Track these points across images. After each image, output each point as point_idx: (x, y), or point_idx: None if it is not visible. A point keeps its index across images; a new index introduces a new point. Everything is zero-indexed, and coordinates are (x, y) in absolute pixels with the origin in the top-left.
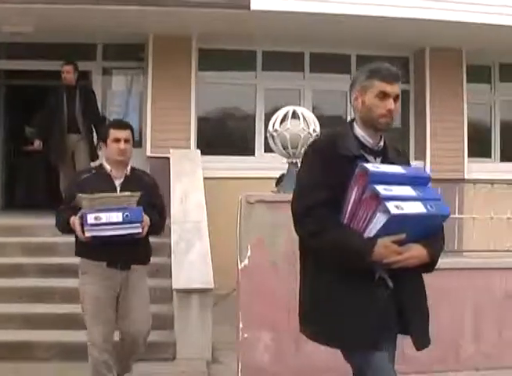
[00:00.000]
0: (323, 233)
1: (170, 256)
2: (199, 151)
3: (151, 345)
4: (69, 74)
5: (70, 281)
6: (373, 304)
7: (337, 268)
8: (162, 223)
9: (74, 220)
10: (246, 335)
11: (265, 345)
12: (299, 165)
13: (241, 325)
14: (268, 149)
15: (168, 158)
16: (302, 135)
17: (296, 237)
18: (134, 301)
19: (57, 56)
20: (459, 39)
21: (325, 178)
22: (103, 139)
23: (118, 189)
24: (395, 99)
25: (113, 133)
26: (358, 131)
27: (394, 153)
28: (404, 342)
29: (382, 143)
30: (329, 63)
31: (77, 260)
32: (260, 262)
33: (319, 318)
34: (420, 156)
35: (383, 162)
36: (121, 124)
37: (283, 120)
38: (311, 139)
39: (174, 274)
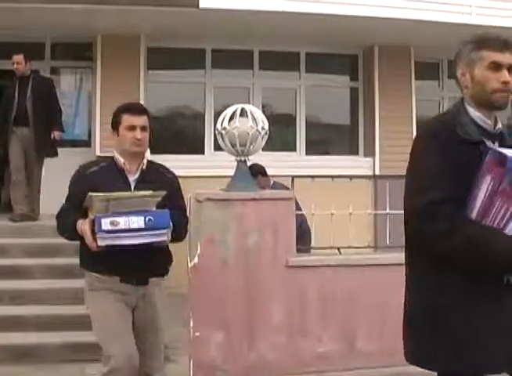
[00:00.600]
0: (456, 233)
1: None
2: (148, 150)
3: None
4: (20, 65)
5: None
6: (508, 317)
7: (467, 274)
8: (186, 228)
9: (84, 225)
10: (197, 334)
11: (216, 343)
12: (412, 153)
13: (192, 323)
14: (218, 147)
15: None
16: (250, 133)
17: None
18: (150, 334)
19: (5, 56)
20: (406, 36)
21: (448, 168)
22: (113, 126)
23: (133, 186)
24: (510, 69)
25: (127, 119)
26: (473, 112)
27: (507, 134)
28: None
29: (500, 125)
30: (278, 60)
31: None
32: (210, 260)
33: (441, 335)
34: (369, 153)
35: (501, 146)
36: (137, 109)
37: (232, 118)
38: (263, 137)
39: None
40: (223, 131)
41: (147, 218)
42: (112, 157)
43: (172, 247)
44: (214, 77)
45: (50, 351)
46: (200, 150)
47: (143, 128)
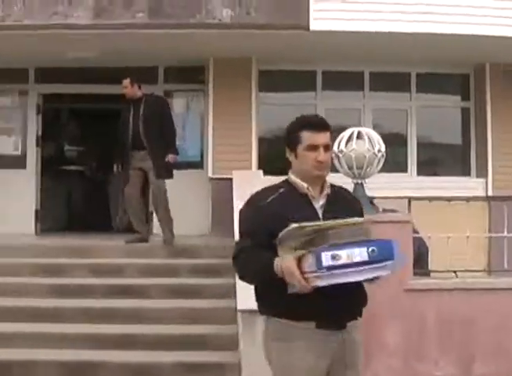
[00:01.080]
0: None
1: (233, 277)
2: (261, 172)
3: (215, 365)
4: (126, 89)
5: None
6: None
7: None
8: None
9: (288, 263)
10: None
11: None
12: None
13: None
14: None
15: (230, 179)
16: (367, 156)
17: None
18: None
19: (120, 80)
20: None
21: None
22: (290, 144)
23: (320, 214)
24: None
25: (309, 138)
26: None
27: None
28: None
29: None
30: (389, 81)
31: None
32: None
33: None
34: (482, 174)
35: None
36: (320, 124)
37: (348, 140)
38: (379, 159)
39: (239, 295)
40: (340, 154)
41: (370, 249)
42: (287, 181)
43: None
44: (324, 99)
45: (164, 370)
46: None
47: (326, 147)
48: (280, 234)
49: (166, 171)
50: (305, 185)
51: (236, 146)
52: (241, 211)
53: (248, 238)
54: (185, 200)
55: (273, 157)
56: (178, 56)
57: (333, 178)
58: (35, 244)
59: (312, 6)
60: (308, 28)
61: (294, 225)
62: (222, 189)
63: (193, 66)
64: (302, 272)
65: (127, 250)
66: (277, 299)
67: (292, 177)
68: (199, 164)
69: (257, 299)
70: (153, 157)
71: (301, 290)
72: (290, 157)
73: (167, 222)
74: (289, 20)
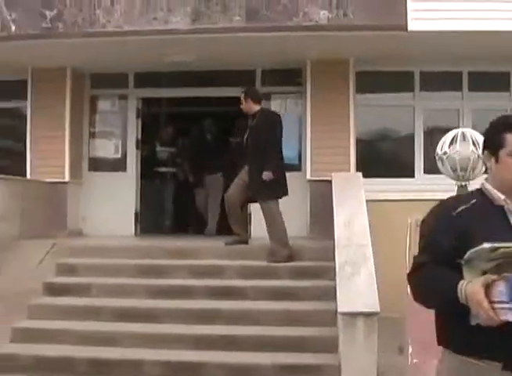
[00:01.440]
0: None
1: (332, 279)
2: (360, 174)
3: (314, 367)
4: (242, 104)
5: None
6: None
7: None
8: None
9: (474, 289)
10: (415, 361)
11: (434, 370)
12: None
13: (410, 350)
14: (427, 170)
15: (328, 181)
16: (472, 158)
17: None
18: None
19: (217, 83)
20: None
21: None
22: (490, 148)
23: None
24: None
25: None
26: None
27: None
28: None
29: None
30: (487, 81)
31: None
32: None
33: None
34: None
35: None
36: None
37: (452, 142)
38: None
39: (340, 297)
40: (444, 156)
41: None
42: (480, 190)
43: (384, 271)
44: (422, 100)
45: (263, 371)
46: (409, 173)
47: None
48: (468, 253)
49: (266, 190)
50: (502, 196)
51: (334, 148)
52: (424, 222)
53: (429, 253)
54: (284, 203)
55: (371, 159)
56: (275, 58)
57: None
58: (136, 246)
59: (410, 6)
60: (405, 29)
61: (486, 245)
62: (321, 191)
63: (290, 69)
64: (490, 302)
65: (227, 252)
66: (456, 330)
67: (487, 185)
68: (297, 167)
69: (436, 326)
70: (250, 175)
71: (486, 322)
72: (489, 162)
73: (273, 235)
74: (386, 21)
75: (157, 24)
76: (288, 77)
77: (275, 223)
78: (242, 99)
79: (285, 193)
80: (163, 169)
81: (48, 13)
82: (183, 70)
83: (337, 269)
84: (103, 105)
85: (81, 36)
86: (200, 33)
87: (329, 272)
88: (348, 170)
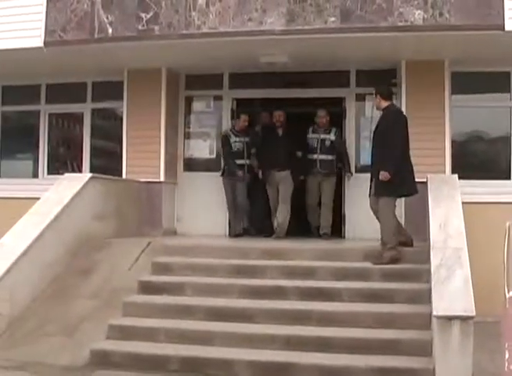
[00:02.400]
0: None
1: (426, 282)
2: (456, 176)
3: (408, 371)
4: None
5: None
6: None
7: None
8: None
9: None
10: None
11: None
12: None
13: (507, 355)
14: None
15: (424, 182)
16: None
17: None
18: None
19: (311, 85)
20: None
21: None
22: None
23: None
24: None
25: None
26: None
27: None
28: None
29: None
30: None
31: None
32: None
33: None
34: None
35: None
36: None
37: None
38: None
39: (435, 300)
40: None
41: None
42: None
43: (480, 274)
44: None
45: (356, 374)
46: (505, 175)
47: None
48: None
49: (383, 189)
50: None
51: (429, 150)
52: None
53: None
54: None
55: (466, 160)
56: (370, 59)
57: None
58: (229, 246)
59: (507, 5)
60: (503, 28)
61: None
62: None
63: (385, 70)
64: None
65: (319, 253)
66: None
67: None
68: None
69: None
70: (373, 170)
71: None
72: None
73: (383, 234)
74: (483, 21)
75: (252, 25)
76: (383, 77)
77: (386, 223)
78: (374, 94)
79: (407, 192)
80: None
81: (144, 15)
82: (276, 71)
83: (432, 272)
84: (198, 105)
85: (177, 38)
86: (294, 34)
87: (424, 275)
88: (443, 172)
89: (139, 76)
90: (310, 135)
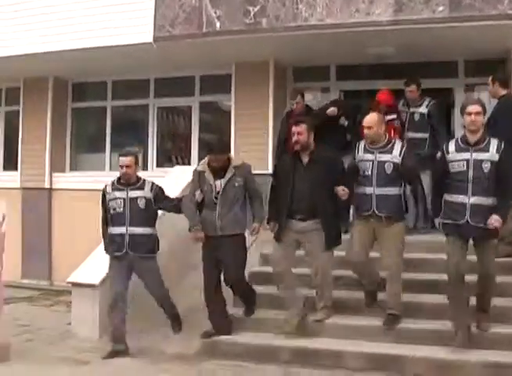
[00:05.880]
0: None
1: None
2: None
3: None
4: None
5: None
6: None
7: None
8: None
9: None
10: None
11: None
12: None
13: None
14: None
15: None
16: None
17: None
18: None
19: (418, 76)
20: None
21: None
22: None
23: None
24: None
25: None
26: None
27: None
28: None
29: None
30: None
31: None
32: None
33: None
34: None
35: None
36: None
37: None
38: None
39: None
40: None
41: None
42: None
43: None
44: None
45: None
46: None
47: None
48: None
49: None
50: None
51: None
52: None
53: None
54: None
55: None
56: (478, 48)
57: None
58: None
59: None
60: None
61: None
62: None
63: (494, 59)
64: None
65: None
66: None
67: None
68: None
69: None
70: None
71: None
72: None
73: None
74: None
75: (359, 16)
76: (492, 67)
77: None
78: (489, 81)
79: None
80: None
81: (251, 9)
82: (382, 62)
83: None
84: (306, 98)
85: (284, 30)
86: (402, 24)
87: None
88: None
89: (247, 69)
90: None
